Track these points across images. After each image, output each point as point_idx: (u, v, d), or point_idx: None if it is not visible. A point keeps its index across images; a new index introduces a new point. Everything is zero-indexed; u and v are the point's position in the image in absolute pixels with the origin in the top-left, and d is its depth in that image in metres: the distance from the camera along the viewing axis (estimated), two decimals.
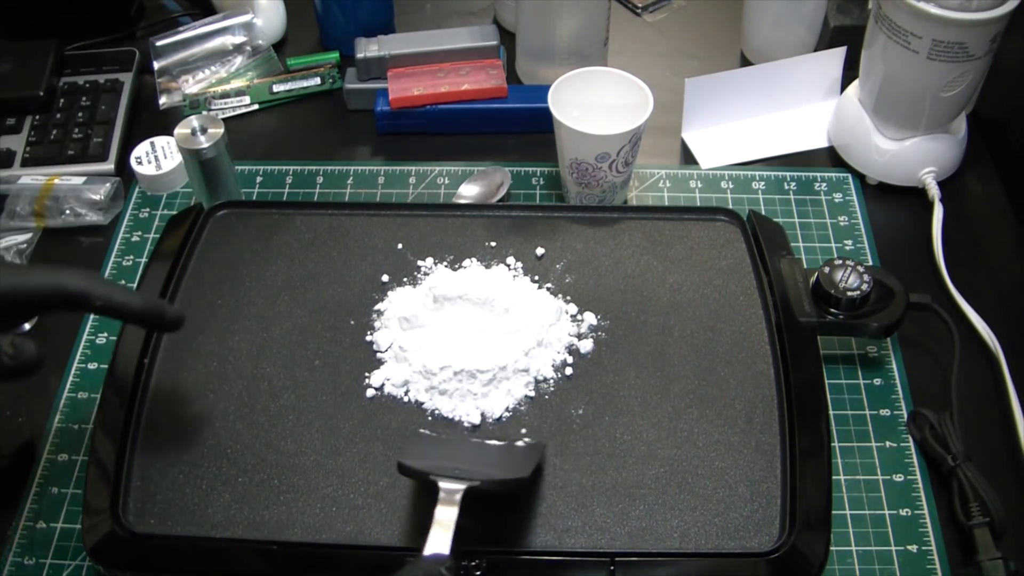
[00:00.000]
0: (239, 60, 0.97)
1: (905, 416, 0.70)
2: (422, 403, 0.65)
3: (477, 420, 0.64)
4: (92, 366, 0.74)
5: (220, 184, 0.79)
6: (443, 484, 0.54)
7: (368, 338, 0.68)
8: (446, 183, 0.87)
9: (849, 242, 0.81)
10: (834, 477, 0.66)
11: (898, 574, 0.63)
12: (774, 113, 0.92)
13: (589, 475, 0.61)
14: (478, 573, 0.56)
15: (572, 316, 0.69)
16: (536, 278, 0.72)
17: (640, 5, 1.05)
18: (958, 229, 0.81)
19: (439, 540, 0.52)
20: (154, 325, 0.61)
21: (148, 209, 0.86)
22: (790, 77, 0.90)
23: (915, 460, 0.68)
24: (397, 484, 0.60)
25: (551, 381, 0.66)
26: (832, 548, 0.61)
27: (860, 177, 0.86)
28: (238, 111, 0.94)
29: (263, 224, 0.75)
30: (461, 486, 0.53)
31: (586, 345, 0.68)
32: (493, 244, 0.74)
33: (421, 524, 0.54)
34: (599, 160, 0.76)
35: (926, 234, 0.81)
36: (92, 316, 0.77)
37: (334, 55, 0.97)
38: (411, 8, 1.04)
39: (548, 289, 0.71)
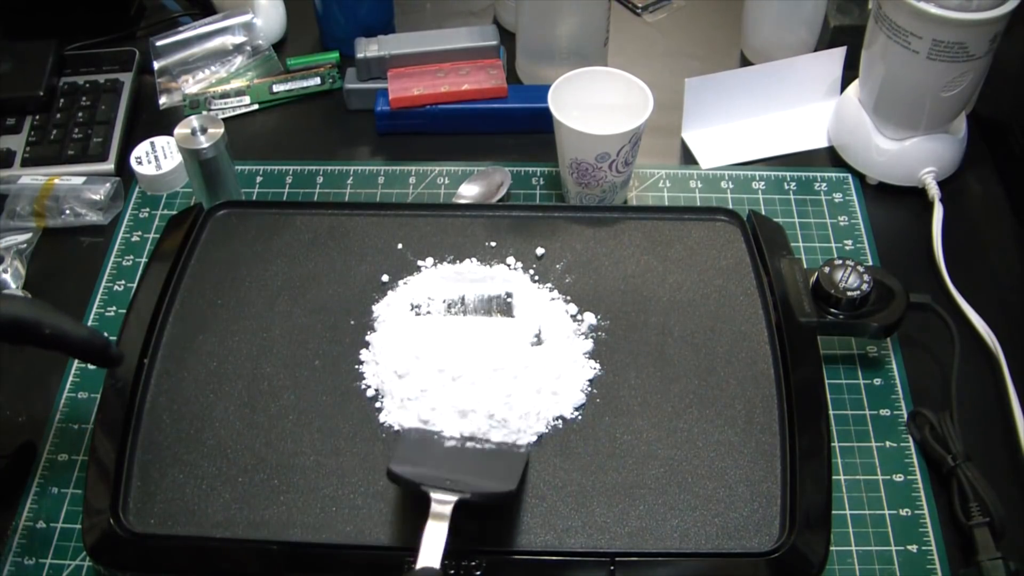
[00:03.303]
0: (239, 60, 0.97)
1: (905, 416, 0.70)
2: None
3: None
4: (92, 366, 0.74)
5: (220, 184, 0.79)
6: (434, 495, 0.54)
7: (368, 338, 0.68)
8: (446, 183, 0.87)
9: (849, 242, 0.81)
10: (834, 477, 0.66)
11: (898, 574, 0.63)
12: (774, 113, 0.92)
13: (589, 475, 0.61)
14: (478, 573, 0.56)
15: (572, 316, 0.69)
16: (536, 278, 0.72)
17: (640, 5, 1.05)
18: (958, 229, 0.81)
19: (430, 555, 0.53)
20: (95, 358, 0.62)
21: (148, 209, 0.86)
22: (790, 77, 0.90)
23: (915, 460, 0.68)
24: None
25: None
26: (832, 548, 0.61)
27: (860, 177, 0.86)
28: (238, 111, 0.94)
29: (263, 224, 0.75)
30: (452, 498, 0.54)
31: (586, 345, 0.68)
32: (493, 244, 0.74)
33: (420, 524, 0.54)
34: (599, 160, 0.76)
35: (926, 234, 0.81)
36: (91, 317, 0.78)
37: (334, 55, 0.97)
38: (411, 8, 1.04)
39: (548, 289, 0.71)
